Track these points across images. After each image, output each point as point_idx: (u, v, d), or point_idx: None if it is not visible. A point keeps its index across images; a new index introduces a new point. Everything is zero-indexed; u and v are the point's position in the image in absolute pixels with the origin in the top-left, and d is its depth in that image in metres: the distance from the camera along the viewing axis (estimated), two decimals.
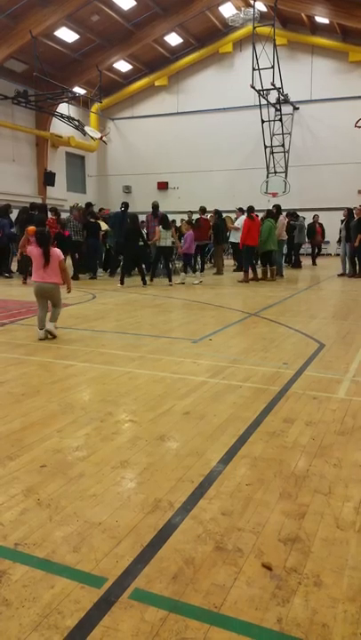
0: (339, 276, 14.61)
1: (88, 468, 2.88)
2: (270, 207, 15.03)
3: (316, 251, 19.63)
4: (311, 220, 18.85)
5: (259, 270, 13.86)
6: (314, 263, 19.08)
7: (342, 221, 15.17)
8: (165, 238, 12.10)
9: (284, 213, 16.44)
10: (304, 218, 18.23)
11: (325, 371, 4.91)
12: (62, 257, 6.36)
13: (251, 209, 13.10)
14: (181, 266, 13.68)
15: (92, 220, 13.58)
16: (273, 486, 2.68)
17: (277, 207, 14.86)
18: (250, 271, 13.26)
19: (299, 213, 18.59)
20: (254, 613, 1.80)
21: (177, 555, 2.12)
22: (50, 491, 2.63)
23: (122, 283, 12.03)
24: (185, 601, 1.86)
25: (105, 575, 1.99)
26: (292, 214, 17.89)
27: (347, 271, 14.52)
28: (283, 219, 14.89)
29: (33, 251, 6.22)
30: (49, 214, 14.48)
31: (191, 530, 2.30)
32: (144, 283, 12.14)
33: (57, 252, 6.32)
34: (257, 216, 13.34)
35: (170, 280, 12.54)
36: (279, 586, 1.94)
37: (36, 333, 6.31)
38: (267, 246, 13.28)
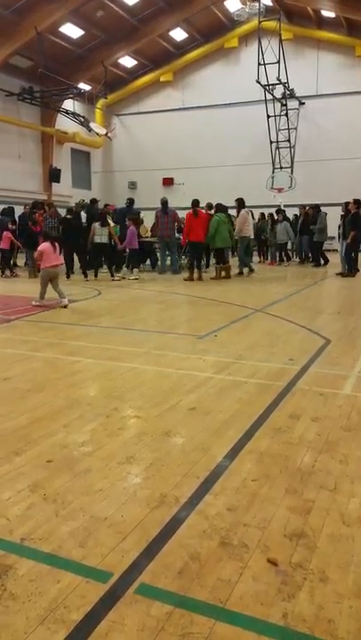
0: (337, 274, 13.64)
1: (94, 464, 2.89)
2: (279, 205, 14.60)
3: None
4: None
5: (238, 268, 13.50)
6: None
7: (341, 217, 14.33)
8: (101, 235, 12.36)
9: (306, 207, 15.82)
10: (326, 213, 16.58)
11: (331, 367, 4.89)
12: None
13: (195, 203, 12.46)
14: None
15: (68, 216, 13.60)
16: (279, 482, 2.67)
17: (239, 201, 13.68)
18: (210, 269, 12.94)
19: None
20: (260, 608, 1.80)
21: (183, 550, 2.12)
22: (56, 486, 2.64)
23: (68, 277, 12.50)
24: (191, 596, 1.87)
25: (111, 570, 2.00)
26: (315, 207, 16.55)
27: (346, 269, 13.47)
28: (244, 213, 13.55)
29: (44, 245, 8.34)
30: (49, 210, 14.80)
31: (197, 525, 2.30)
32: (85, 276, 12.56)
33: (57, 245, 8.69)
34: (202, 211, 12.81)
35: (112, 275, 12.67)
36: (285, 581, 1.94)
37: (38, 301, 8.46)
38: (215, 243, 12.70)
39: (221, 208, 13.00)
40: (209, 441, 3.18)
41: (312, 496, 2.54)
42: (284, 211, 18.14)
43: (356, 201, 13.02)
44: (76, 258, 13.12)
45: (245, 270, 13.58)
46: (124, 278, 12.82)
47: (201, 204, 16.22)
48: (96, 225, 12.54)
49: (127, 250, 13.68)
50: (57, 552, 2.12)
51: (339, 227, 14.85)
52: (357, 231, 12.76)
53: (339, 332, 6.50)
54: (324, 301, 9.72)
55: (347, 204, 13.48)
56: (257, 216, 19.05)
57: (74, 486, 2.64)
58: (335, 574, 1.98)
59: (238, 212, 13.65)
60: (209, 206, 15.60)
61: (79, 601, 1.84)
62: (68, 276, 12.50)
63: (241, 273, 13.54)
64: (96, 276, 12.81)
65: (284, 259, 17.90)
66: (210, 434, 3.30)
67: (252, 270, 13.67)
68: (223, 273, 12.84)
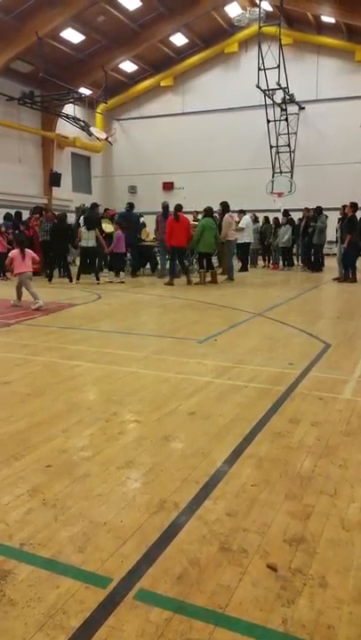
0: (333, 280, 13.19)
1: (93, 468, 2.88)
2: (281, 210, 14.35)
3: None
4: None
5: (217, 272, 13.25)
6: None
7: (339, 220, 13.91)
8: (87, 239, 12.62)
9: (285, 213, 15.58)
10: (327, 216, 16.23)
11: (331, 371, 4.89)
12: (34, 254, 8.89)
13: (177, 208, 12.44)
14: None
15: (55, 221, 13.97)
16: (278, 487, 2.67)
17: (223, 205, 13.48)
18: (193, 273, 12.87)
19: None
20: (259, 614, 1.80)
21: (182, 555, 2.12)
22: (55, 491, 2.64)
23: (50, 279, 13.20)
24: (190, 601, 1.86)
25: (110, 575, 1.99)
26: (316, 209, 16.03)
27: (342, 275, 12.99)
28: (228, 217, 13.24)
29: (13, 253, 8.64)
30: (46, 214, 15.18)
31: (196, 530, 2.29)
32: (73, 279, 13.00)
33: (29, 251, 8.78)
34: (184, 216, 12.63)
35: (97, 278, 12.95)
36: (284, 587, 1.94)
37: (35, 304, 8.47)
38: (199, 248, 12.58)
39: (209, 212, 12.81)
40: (208, 445, 3.18)
41: (312, 501, 2.53)
42: (290, 214, 17.78)
43: (352, 204, 12.74)
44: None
45: (233, 275, 13.34)
46: (111, 282, 12.98)
47: (201, 209, 16.27)
48: (82, 229, 12.79)
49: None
50: (56, 557, 2.11)
51: (336, 230, 14.56)
52: (353, 234, 12.46)
53: (338, 336, 6.50)
54: (323, 305, 9.72)
55: (344, 207, 13.14)
56: (261, 220, 19.00)
57: (73, 491, 2.64)
58: (335, 580, 1.97)
59: (222, 217, 13.41)
60: (208, 211, 15.62)
61: (78, 606, 1.83)
62: (50, 279, 13.09)
63: (231, 279, 13.26)
64: (97, 279, 12.90)
65: (286, 263, 17.71)
66: (209, 438, 3.29)
67: (231, 279, 13.27)
68: (209, 278, 12.66)
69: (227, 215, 13.29)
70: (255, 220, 18.11)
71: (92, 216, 13.97)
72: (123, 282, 12.98)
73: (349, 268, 12.97)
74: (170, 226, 12.33)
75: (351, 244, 12.60)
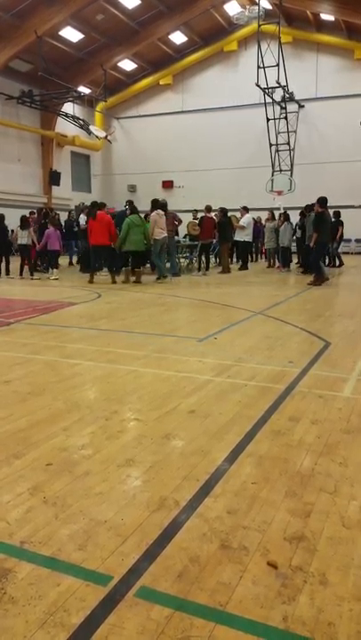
0: (308, 284, 12.05)
1: (94, 467, 2.88)
2: (277, 206, 14.12)
3: None
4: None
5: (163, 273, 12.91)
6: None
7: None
8: (22, 237, 13.89)
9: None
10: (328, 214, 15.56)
11: (331, 369, 4.89)
12: None
13: (95, 205, 12.31)
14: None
15: (43, 221, 14.95)
16: (278, 485, 2.67)
17: (151, 202, 12.90)
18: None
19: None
20: (260, 612, 1.80)
21: (182, 553, 2.12)
22: (56, 489, 2.64)
23: (7, 273, 14.42)
24: (190, 599, 1.86)
25: (110, 573, 2.00)
26: (306, 208, 15.05)
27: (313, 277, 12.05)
28: (155, 215, 12.51)
29: None
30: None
31: (197, 528, 2.30)
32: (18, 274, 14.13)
33: None
34: (104, 214, 12.33)
35: (31, 274, 14.11)
36: (285, 584, 1.94)
37: None
38: (125, 246, 12.27)
39: (134, 210, 12.51)
40: (209, 444, 3.18)
41: (312, 499, 2.54)
42: (311, 206, 17.13)
43: (320, 200, 11.64)
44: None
45: (163, 272, 12.97)
46: (49, 279, 13.52)
47: (201, 207, 16.28)
48: (17, 228, 13.96)
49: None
50: (57, 555, 2.11)
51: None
52: (319, 233, 11.52)
53: (338, 334, 6.50)
54: (323, 304, 9.71)
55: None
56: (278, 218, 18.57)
57: (73, 489, 2.64)
58: (335, 577, 1.98)
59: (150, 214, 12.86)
60: (208, 209, 15.61)
61: (79, 604, 1.83)
62: (7, 273, 14.25)
63: (158, 278, 12.87)
64: (31, 274, 13.90)
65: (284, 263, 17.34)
66: (209, 437, 3.30)
67: (164, 277, 12.85)
68: (134, 278, 12.47)
69: (153, 213, 12.63)
70: (273, 218, 17.44)
71: (24, 218, 14.71)
72: (57, 279, 13.44)
73: (314, 269, 12.21)
74: (90, 225, 12.36)
75: (318, 243, 11.64)
